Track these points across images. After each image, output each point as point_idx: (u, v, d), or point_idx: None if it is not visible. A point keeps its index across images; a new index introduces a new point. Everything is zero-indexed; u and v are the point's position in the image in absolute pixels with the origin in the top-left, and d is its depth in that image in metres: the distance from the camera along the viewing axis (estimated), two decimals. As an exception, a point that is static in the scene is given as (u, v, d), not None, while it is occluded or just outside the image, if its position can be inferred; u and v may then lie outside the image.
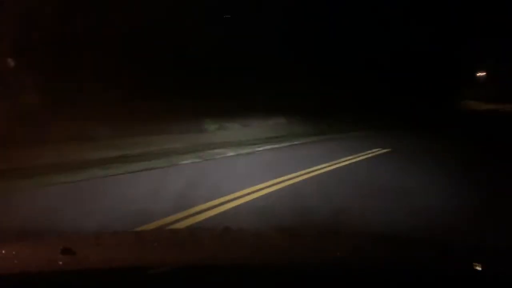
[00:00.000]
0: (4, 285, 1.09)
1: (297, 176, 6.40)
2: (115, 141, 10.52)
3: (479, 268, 1.28)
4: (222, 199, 4.83)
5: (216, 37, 17.25)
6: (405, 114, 22.97)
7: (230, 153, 9.58)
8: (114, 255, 1.47)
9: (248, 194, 5.15)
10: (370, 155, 9.16)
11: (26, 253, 1.47)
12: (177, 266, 1.25)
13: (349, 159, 8.34)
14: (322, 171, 7.01)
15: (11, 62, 9.86)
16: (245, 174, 6.94)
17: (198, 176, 6.55)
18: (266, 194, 5.23)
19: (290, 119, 19.12)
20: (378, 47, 26.63)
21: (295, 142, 12.40)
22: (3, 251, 1.48)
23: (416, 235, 3.52)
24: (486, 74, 61.23)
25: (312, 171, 6.87)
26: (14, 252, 1.48)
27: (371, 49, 25.94)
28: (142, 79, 14.20)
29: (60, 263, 1.26)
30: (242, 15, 19.16)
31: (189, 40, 16.03)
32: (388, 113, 22.14)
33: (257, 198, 5.01)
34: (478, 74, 60.82)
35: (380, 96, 24.76)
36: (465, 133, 15.77)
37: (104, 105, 12.04)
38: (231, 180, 6.31)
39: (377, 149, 9.90)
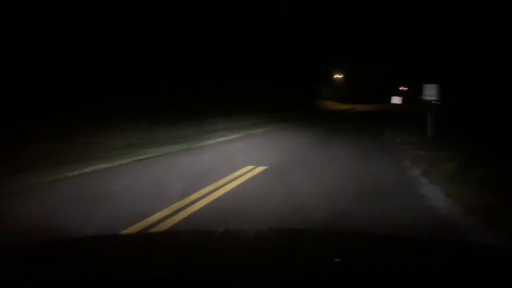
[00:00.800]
0: (4, 285, 1.05)
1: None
2: None
3: (479, 268, 1.24)
4: None
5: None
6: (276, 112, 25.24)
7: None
8: (113, 257, 1.39)
9: None
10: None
11: (26, 253, 1.41)
12: (178, 268, 1.20)
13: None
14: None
15: None
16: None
17: None
18: None
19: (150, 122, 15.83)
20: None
21: (142, 157, 8.80)
22: (4, 251, 1.43)
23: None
24: (342, 76, 65.53)
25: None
26: (14, 253, 1.42)
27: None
28: None
29: (59, 264, 1.26)
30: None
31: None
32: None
33: None
34: (335, 76, 64.66)
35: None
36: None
37: None
38: None
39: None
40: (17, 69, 15.09)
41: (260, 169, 7.00)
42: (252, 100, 26.98)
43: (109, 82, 19.29)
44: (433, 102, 15.18)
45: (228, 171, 6.66)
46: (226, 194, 5.31)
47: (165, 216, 4.25)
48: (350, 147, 10.97)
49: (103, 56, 19.40)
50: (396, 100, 30.12)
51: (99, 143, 10.82)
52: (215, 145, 11.48)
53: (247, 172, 6.66)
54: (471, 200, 4.93)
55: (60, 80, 17.13)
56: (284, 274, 1.13)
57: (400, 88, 75.24)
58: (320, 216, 4.08)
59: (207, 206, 4.72)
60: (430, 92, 15.23)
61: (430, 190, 5.58)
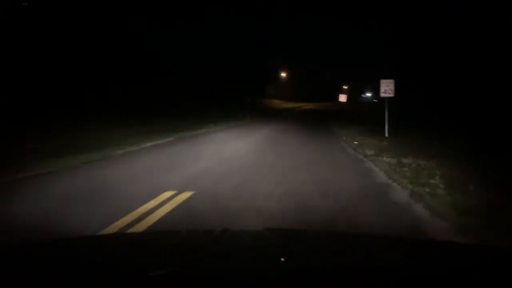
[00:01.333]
0: (4, 285, 1.01)
1: None
2: None
3: (478, 268, 1.21)
4: None
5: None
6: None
7: None
8: (113, 257, 1.35)
9: None
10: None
11: (26, 253, 1.36)
12: (177, 268, 1.17)
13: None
14: None
15: None
16: None
17: None
18: None
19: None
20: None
21: (31, 173, 6.13)
22: (4, 251, 1.40)
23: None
24: (288, 75, 64.30)
25: None
26: (14, 253, 1.38)
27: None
28: None
29: (59, 263, 1.23)
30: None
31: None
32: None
33: None
34: (281, 74, 63.37)
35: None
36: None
37: None
38: None
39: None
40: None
41: (183, 197, 4.64)
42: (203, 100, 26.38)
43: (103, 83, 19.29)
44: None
45: (132, 204, 4.21)
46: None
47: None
48: (304, 154, 8.92)
49: (102, 57, 19.22)
50: (342, 98, 28.87)
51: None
52: (138, 152, 8.92)
53: (161, 206, 4.24)
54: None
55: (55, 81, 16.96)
56: (282, 274, 1.12)
57: (343, 87, 75.81)
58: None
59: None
60: (387, 88, 13.62)
61: (446, 233, 3.53)
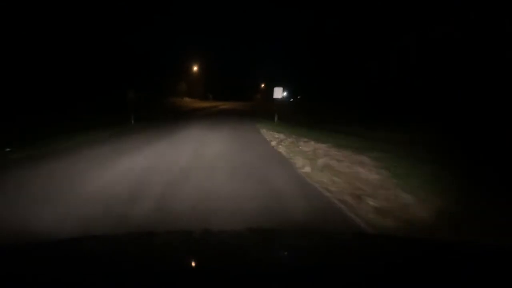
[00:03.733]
0: (4, 285, 0.96)
1: None
2: None
3: (478, 268, 1.14)
4: None
5: None
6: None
7: None
8: (98, 258, 1.29)
9: None
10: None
11: (25, 253, 1.32)
12: (157, 270, 1.10)
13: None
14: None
15: None
16: None
17: None
18: None
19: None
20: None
21: None
22: (4, 252, 1.33)
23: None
24: (199, 69, 53.31)
25: None
26: (14, 253, 1.32)
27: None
28: None
29: (56, 264, 1.18)
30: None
31: None
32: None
33: None
34: (194, 69, 52.30)
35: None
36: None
37: None
38: None
39: None
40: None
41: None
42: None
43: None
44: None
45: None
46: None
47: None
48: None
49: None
50: (278, 93, 17.95)
51: None
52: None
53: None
54: None
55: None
56: (265, 276, 1.05)
57: (261, 86, 68.89)
58: None
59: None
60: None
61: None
